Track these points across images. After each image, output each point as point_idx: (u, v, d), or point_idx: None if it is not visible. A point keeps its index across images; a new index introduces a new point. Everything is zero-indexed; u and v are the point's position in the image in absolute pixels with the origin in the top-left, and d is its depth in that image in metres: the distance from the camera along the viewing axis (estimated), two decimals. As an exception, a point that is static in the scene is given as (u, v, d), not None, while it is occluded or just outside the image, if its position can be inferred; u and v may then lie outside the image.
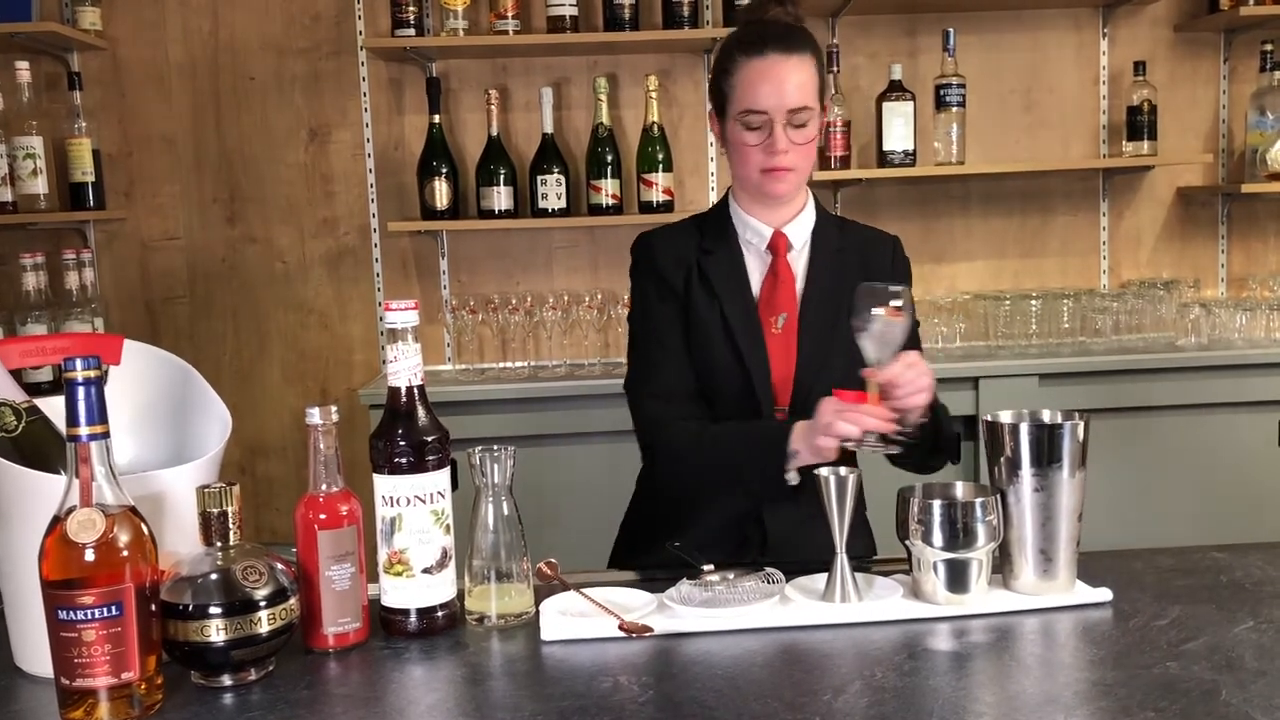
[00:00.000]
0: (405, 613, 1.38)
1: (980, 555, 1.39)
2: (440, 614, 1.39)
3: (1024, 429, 1.42)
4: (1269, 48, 3.39)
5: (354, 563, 1.34)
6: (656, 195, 3.29)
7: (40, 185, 3.15)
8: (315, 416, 1.33)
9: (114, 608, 1.13)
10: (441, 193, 3.28)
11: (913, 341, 1.86)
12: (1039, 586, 1.43)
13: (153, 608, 1.18)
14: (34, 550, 1.15)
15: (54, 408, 1.27)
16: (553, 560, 1.53)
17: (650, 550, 1.84)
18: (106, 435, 1.16)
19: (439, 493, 1.38)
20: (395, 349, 1.37)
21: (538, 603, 1.43)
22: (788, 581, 1.45)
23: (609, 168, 3.29)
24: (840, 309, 1.79)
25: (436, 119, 3.31)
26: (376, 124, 3.43)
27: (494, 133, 3.30)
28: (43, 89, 3.32)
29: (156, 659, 1.18)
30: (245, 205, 3.44)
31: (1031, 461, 1.41)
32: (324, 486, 1.34)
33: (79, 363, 1.14)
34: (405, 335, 1.37)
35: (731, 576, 1.45)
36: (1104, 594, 1.42)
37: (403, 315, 1.37)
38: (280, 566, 1.27)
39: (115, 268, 3.44)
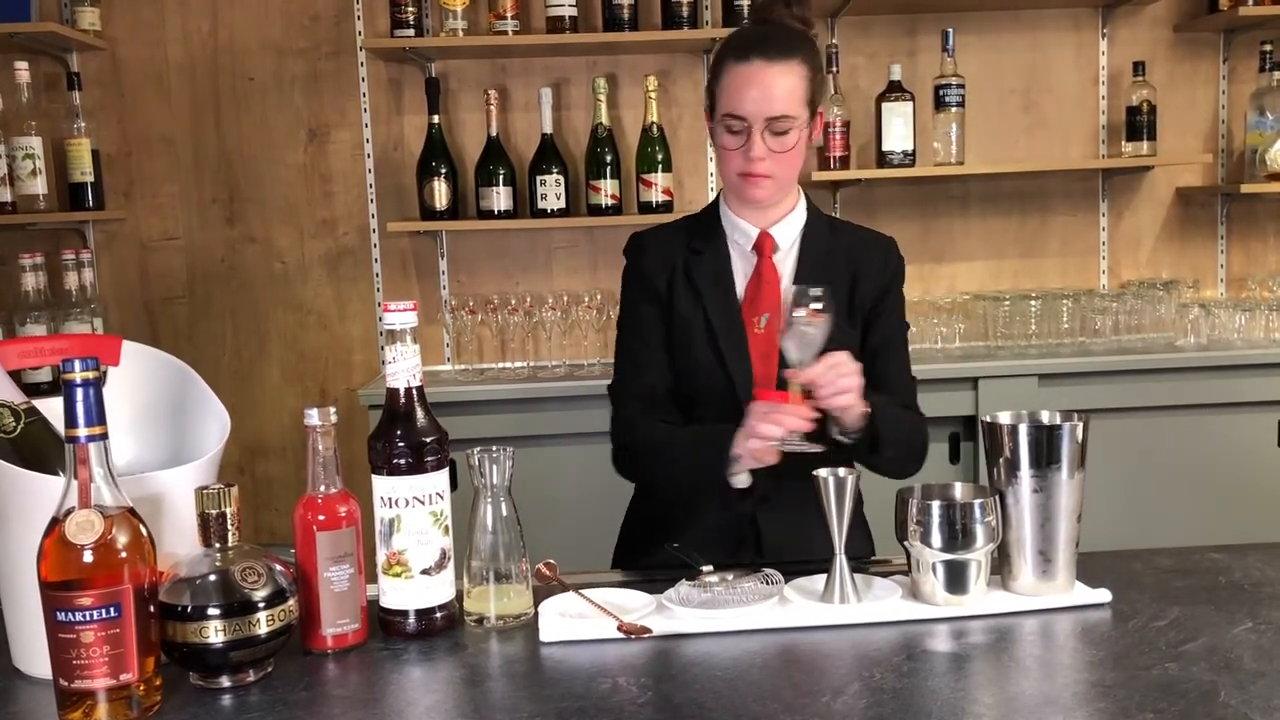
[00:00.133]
0: (404, 614, 1.38)
1: (979, 556, 1.39)
2: (439, 615, 1.39)
3: (1023, 430, 1.42)
4: (1268, 48, 3.39)
5: (353, 564, 1.34)
6: (656, 195, 3.29)
7: (39, 185, 3.15)
8: (314, 417, 1.33)
9: (112, 609, 1.13)
10: (441, 193, 3.28)
11: (900, 343, 1.86)
12: (1038, 587, 1.43)
13: (151, 609, 1.18)
14: (32, 551, 1.15)
15: (53, 409, 1.27)
16: (551, 561, 1.53)
17: (649, 552, 1.84)
18: (105, 436, 1.16)
19: (438, 494, 1.38)
20: (394, 350, 1.37)
21: (536, 604, 1.43)
22: (786, 582, 1.45)
23: (608, 168, 3.29)
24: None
25: (436, 119, 3.31)
26: (376, 124, 3.43)
27: (493, 133, 3.30)
28: (42, 89, 3.32)
29: (155, 660, 1.18)
30: (244, 206, 3.44)
31: (1030, 462, 1.41)
32: (323, 487, 1.34)
33: (77, 364, 1.14)
34: (404, 336, 1.37)
35: (730, 578, 1.45)
36: (1103, 595, 1.42)
37: (401, 316, 1.37)
38: (279, 567, 1.27)
39: (114, 268, 3.44)
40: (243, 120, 3.42)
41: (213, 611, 1.20)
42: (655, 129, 3.29)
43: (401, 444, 1.36)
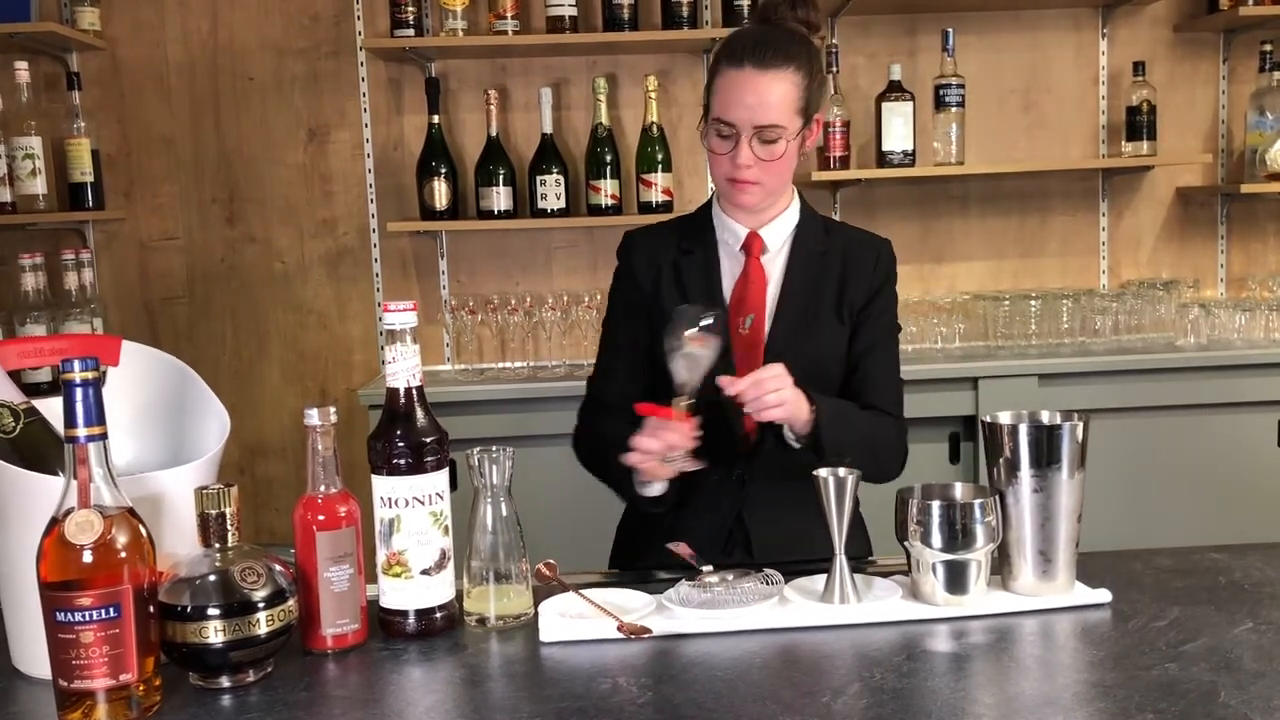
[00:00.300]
0: (404, 614, 1.38)
1: (979, 556, 1.39)
2: (439, 615, 1.39)
3: (1023, 430, 1.42)
4: (1268, 48, 3.39)
5: (352, 564, 1.34)
6: (656, 195, 3.29)
7: (39, 185, 3.15)
8: (314, 417, 1.33)
9: (112, 609, 1.13)
10: (441, 193, 3.28)
11: (888, 345, 1.85)
12: (1038, 587, 1.43)
13: (151, 609, 1.18)
14: (32, 552, 1.15)
15: (52, 409, 1.27)
16: (551, 561, 1.53)
17: (642, 552, 1.84)
18: (105, 436, 1.16)
19: (437, 494, 1.38)
20: (394, 350, 1.37)
21: (536, 604, 1.43)
22: (786, 583, 1.45)
23: (608, 168, 3.29)
24: (815, 311, 1.80)
25: (436, 119, 3.31)
26: (376, 124, 3.43)
27: (493, 133, 3.30)
28: (42, 89, 3.32)
29: (155, 660, 1.18)
30: (244, 206, 3.44)
31: (1031, 462, 1.41)
32: (322, 487, 1.34)
33: (77, 364, 1.14)
34: (404, 336, 1.37)
35: (730, 578, 1.45)
36: (1103, 595, 1.42)
37: (401, 316, 1.37)
38: (279, 568, 1.27)
39: (114, 268, 3.44)
40: (243, 120, 3.42)
41: (213, 611, 1.20)
42: (655, 129, 3.29)
43: (401, 444, 1.36)
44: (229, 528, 1.24)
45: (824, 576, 1.43)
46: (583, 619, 1.38)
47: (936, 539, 1.37)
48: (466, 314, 3.28)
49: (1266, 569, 1.53)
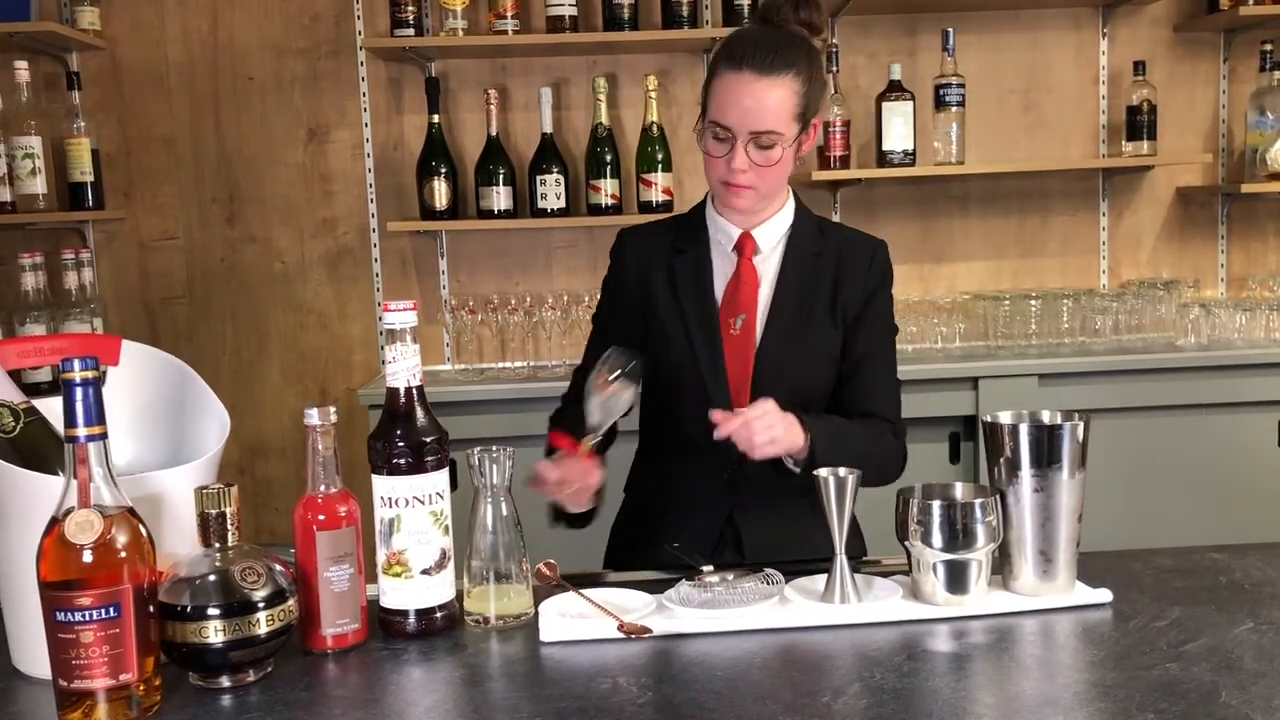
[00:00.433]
0: (404, 614, 1.37)
1: (979, 556, 1.39)
2: (439, 615, 1.39)
3: (1023, 429, 1.42)
4: (1269, 48, 3.39)
5: (352, 564, 1.34)
6: (656, 195, 3.29)
7: (39, 185, 3.15)
8: (314, 417, 1.33)
9: (112, 609, 1.13)
10: (441, 193, 3.28)
11: (885, 348, 1.85)
12: (1038, 587, 1.43)
13: (151, 609, 1.18)
14: (32, 551, 1.15)
15: (52, 409, 1.27)
16: (552, 561, 1.53)
17: (634, 554, 1.85)
18: (104, 436, 1.16)
19: (438, 493, 1.38)
20: (394, 349, 1.37)
21: (537, 604, 1.43)
22: (787, 582, 1.45)
23: (608, 167, 3.29)
24: (808, 312, 1.79)
25: (436, 119, 3.31)
26: (375, 124, 3.43)
27: (493, 133, 3.30)
28: (41, 89, 3.32)
29: (155, 660, 1.18)
30: (244, 205, 3.44)
31: (1031, 462, 1.41)
32: (322, 487, 1.33)
33: (77, 364, 1.14)
34: (404, 336, 1.37)
35: (730, 577, 1.45)
36: (1104, 595, 1.42)
37: (401, 316, 1.36)
38: (279, 567, 1.27)
39: (114, 268, 3.44)
40: (242, 120, 3.42)
41: (212, 611, 1.20)
42: (655, 128, 3.29)
43: (401, 444, 1.36)
44: (229, 527, 1.24)
45: (824, 576, 1.43)
46: (583, 619, 1.38)
47: (937, 539, 1.37)
48: (466, 314, 3.28)
49: (1267, 569, 1.53)
